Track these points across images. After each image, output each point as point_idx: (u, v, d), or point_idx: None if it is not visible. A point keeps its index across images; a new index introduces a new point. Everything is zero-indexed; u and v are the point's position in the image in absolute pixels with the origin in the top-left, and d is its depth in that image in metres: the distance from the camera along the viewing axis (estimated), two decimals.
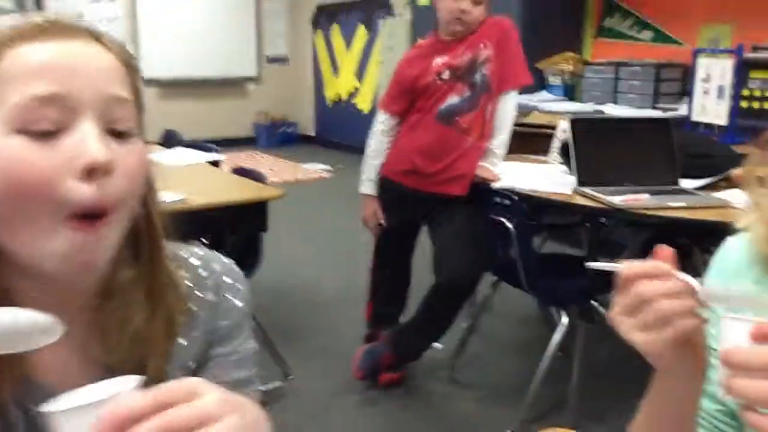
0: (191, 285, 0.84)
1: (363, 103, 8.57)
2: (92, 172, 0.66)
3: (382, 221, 2.91)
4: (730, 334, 0.57)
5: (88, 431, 0.55)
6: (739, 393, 0.55)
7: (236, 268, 0.90)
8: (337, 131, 9.20)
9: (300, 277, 4.29)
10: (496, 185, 2.69)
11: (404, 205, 2.86)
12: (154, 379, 0.75)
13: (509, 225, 2.57)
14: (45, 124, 0.66)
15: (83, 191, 0.66)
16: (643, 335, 0.64)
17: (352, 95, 8.89)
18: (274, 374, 2.94)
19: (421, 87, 2.74)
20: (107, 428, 0.54)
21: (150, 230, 0.79)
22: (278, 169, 7.69)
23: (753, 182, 0.77)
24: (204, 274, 0.86)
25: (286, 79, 9.84)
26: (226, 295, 0.87)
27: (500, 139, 2.83)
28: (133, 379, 0.59)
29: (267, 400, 0.84)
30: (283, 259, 4.37)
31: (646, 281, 0.64)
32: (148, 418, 0.54)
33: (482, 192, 2.72)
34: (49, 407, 0.57)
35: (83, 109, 0.68)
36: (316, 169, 7.80)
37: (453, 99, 2.71)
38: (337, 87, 9.19)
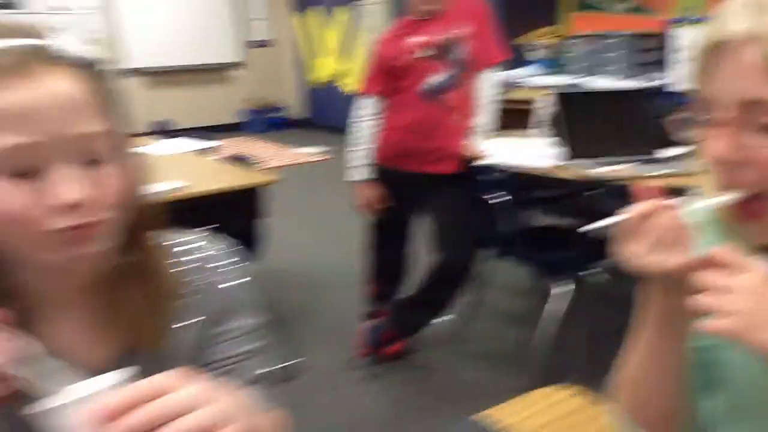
0: (187, 269, 0.89)
1: (349, 85, 8.60)
2: (66, 210, 0.72)
3: (379, 206, 2.94)
4: None
5: (84, 422, 0.60)
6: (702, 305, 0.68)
7: (232, 249, 0.94)
8: (325, 114, 9.23)
9: (299, 261, 4.38)
10: (484, 162, 2.78)
11: (398, 187, 2.92)
12: (151, 363, 0.78)
13: (500, 200, 2.67)
14: (20, 169, 0.70)
15: (59, 224, 0.72)
16: (680, 258, 0.75)
17: (338, 77, 8.91)
18: (280, 355, 3.02)
19: (399, 67, 2.79)
20: (91, 424, 0.59)
21: (140, 222, 0.83)
22: (269, 155, 7.73)
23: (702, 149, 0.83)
24: (199, 257, 0.91)
25: (270, 63, 9.83)
26: (223, 275, 0.92)
27: (484, 116, 2.90)
28: (119, 374, 0.64)
29: (280, 376, 0.93)
30: (280, 244, 4.43)
31: (658, 214, 0.75)
32: (130, 413, 0.59)
33: (472, 169, 2.80)
34: (36, 407, 0.62)
35: (54, 153, 0.71)
36: (307, 153, 7.85)
37: (434, 77, 2.76)
38: (322, 69, 9.21)
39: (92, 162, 0.74)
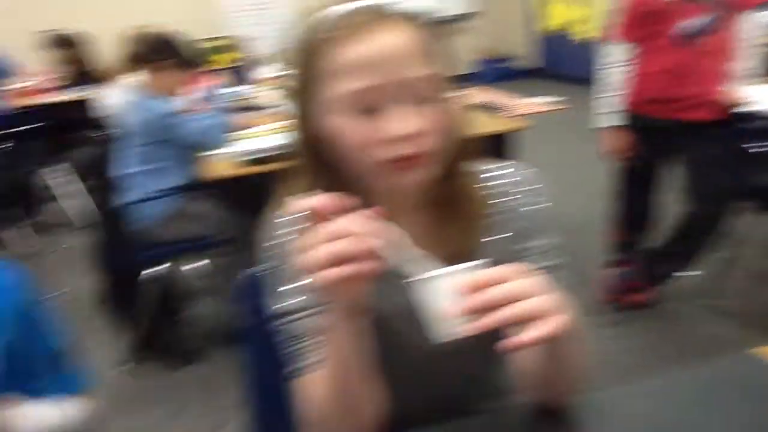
0: (495, 193, 1.04)
1: (587, 32, 8.32)
2: (397, 141, 0.86)
3: (629, 153, 2.91)
4: None
5: (448, 293, 0.75)
6: None
7: (534, 175, 1.08)
8: (557, 63, 9.03)
9: None
10: (745, 109, 2.64)
11: (649, 135, 2.86)
12: None
13: (762, 150, 2.54)
14: (362, 106, 0.86)
15: (391, 153, 0.87)
16: None
17: (570, 24, 8.66)
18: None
19: (653, 11, 2.70)
20: (453, 295, 0.74)
21: (457, 153, 0.97)
22: (506, 103, 7.73)
23: None
24: (506, 182, 1.05)
25: (504, 11, 9.75)
26: (527, 199, 1.05)
27: (746, 61, 2.74)
28: (471, 264, 0.78)
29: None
30: None
31: None
32: (483, 290, 0.74)
33: (732, 117, 2.68)
34: (419, 276, 0.77)
35: (390, 95, 0.86)
36: (542, 102, 7.74)
37: (690, 21, 2.65)
38: (554, 17, 8.98)
39: (420, 102, 0.87)
